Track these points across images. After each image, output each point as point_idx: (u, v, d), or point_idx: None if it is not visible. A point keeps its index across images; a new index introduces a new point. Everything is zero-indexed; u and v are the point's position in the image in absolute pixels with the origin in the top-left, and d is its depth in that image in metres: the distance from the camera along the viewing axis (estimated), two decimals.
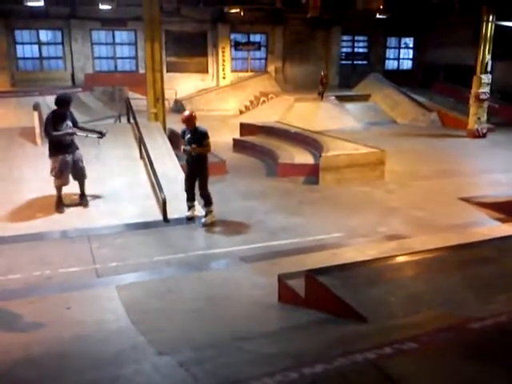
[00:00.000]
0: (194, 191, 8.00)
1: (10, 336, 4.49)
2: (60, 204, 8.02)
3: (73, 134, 7.94)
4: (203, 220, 7.92)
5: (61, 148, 7.82)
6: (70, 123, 7.89)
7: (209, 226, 7.88)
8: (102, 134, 8.35)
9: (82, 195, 8.29)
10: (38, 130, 9.94)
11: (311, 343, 3.68)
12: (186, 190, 8.00)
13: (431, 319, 3.76)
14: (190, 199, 8.03)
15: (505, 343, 3.12)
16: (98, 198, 8.47)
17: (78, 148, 8.11)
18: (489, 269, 4.74)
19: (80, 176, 8.14)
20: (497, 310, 3.70)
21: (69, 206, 8.16)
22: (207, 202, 7.95)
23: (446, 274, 4.67)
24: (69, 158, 7.89)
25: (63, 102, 7.85)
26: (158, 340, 4.18)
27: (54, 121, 7.73)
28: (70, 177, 8.06)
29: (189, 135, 7.75)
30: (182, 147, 7.89)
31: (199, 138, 7.71)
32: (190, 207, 8.07)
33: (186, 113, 8.06)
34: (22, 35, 20.80)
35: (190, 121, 7.77)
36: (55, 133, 7.72)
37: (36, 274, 6.05)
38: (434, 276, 4.68)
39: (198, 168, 7.85)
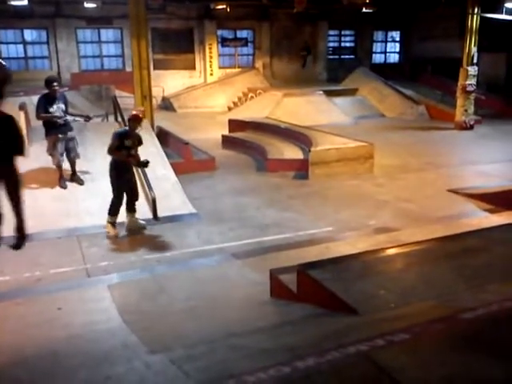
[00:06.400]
0: (129, 200, 7.40)
1: (2, 338, 4.45)
2: (61, 180, 8.51)
3: (60, 117, 8.25)
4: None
5: (54, 128, 8.28)
6: (62, 106, 8.33)
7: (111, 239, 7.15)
8: (88, 118, 8.91)
9: (73, 174, 8.71)
10: (24, 131, 9.83)
11: (304, 337, 3.69)
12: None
13: (423, 310, 3.78)
14: (128, 210, 7.46)
15: (496, 332, 3.14)
16: (86, 196, 8.40)
17: (71, 129, 8.52)
18: (478, 259, 4.77)
19: (69, 156, 8.51)
20: (487, 300, 3.73)
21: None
22: (109, 209, 7.30)
23: (436, 265, 4.70)
24: (61, 138, 8.30)
25: (48, 82, 8.31)
26: (151, 339, 4.17)
27: (45, 103, 8.20)
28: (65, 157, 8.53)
29: None
30: None
31: None
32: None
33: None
34: (6, 35, 20.48)
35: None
36: (43, 114, 8.21)
37: (26, 276, 6.00)
38: (424, 267, 4.71)
39: None
